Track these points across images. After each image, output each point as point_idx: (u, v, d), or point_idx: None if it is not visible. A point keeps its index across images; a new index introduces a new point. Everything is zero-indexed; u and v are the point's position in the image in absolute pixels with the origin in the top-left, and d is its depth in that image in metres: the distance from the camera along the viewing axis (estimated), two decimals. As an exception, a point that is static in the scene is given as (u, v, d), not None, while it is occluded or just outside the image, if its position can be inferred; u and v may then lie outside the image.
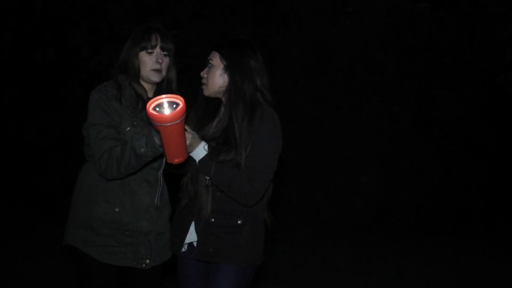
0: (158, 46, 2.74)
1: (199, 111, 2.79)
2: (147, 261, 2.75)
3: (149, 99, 2.72)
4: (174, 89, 2.85)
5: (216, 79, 2.68)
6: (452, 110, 8.92)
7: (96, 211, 2.68)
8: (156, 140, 2.42)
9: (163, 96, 2.18)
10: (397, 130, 8.91)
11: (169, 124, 2.15)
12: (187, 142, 2.51)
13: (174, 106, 2.17)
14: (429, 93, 8.97)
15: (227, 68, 2.66)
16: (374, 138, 8.81)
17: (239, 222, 2.62)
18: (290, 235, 7.77)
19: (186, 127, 2.52)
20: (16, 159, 9.64)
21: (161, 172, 2.82)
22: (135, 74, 2.74)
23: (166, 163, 2.63)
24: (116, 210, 2.67)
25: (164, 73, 2.79)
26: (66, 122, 8.50)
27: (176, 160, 2.36)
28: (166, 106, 2.16)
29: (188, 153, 2.57)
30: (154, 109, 2.16)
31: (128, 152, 2.51)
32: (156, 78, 2.76)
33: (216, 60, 2.68)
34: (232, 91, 2.63)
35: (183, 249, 2.76)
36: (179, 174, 2.80)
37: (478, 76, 8.88)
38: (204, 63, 2.76)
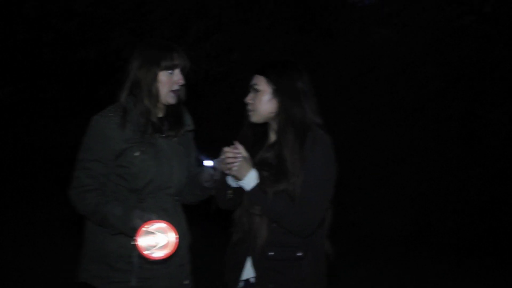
0: (179, 66, 2.58)
1: (246, 139, 2.62)
2: None
3: (159, 119, 2.60)
4: (181, 109, 2.69)
5: (265, 104, 2.53)
6: (499, 128, 8.63)
7: (110, 245, 2.51)
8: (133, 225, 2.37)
9: (167, 226, 2.26)
10: (441, 147, 8.65)
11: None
12: (235, 168, 2.43)
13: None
14: (475, 110, 8.69)
15: (276, 93, 2.51)
16: (416, 154, 8.59)
17: (298, 254, 2.46)
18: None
19: (241, 148, 2.45)
20: (58, 158, 9.69)
21: (177, 198, 2.67)
22: (152, 95, 2.54)
23: (216, 204, 2.64)
24: (132, 242, 2.41)
25: (179, 93, 2.63)
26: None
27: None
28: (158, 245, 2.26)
29: (238, 180, 2.47)
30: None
31: (100, 216, 2.46)
32: (173, 100, 2.60)
33: (262, 85, 2.53)
34: (282, 117, 2.49)
35: (238, 286, 2.60)
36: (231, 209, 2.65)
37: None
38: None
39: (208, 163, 2.55)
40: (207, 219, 4.60)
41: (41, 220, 8.13)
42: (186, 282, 2.68)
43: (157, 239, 2.25)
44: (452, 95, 8.68)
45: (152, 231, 2.24)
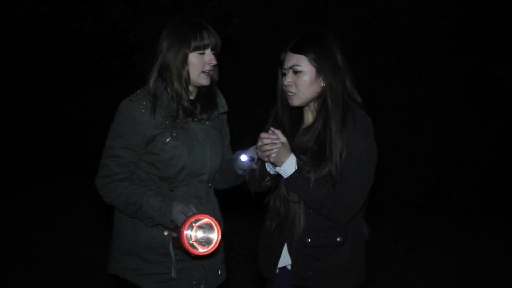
0: (210, 46, 2.40)
1: (282, 123, 2.43)
2: (202, 286, 2.44)
3: (191, 102, 2.43)
4: (214, 90, 2.54)
5: (310, 86, 2.32)
6: (510, 85, 8.46)
7: (142, 236, 2.37)
8: (171, 218, 2.26)
9: (212, 222, 2.18)
10: (451, 106, 8.53)
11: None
12: (274, 155, 2.28)
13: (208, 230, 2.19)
14: (486, 67, 8.56)
15: (321, 72, 2.30)
16: (426, 115, 8.49)
17: (338, 239, 2.32)
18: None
19: (279, 134, 2.30)
20: (57, 135, 9.57)
21: (211, 184, 2.53)
22: (182, 79, 2.38)
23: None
24: (165, 233, 2.34)
25: (211, 73, 2.46)
26: (107, 97, 8.35)
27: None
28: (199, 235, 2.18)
29: (275, 166, 2.33)
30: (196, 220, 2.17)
31: (134, 208, 2.31)
32: (206, 81, 2.43)
33: (305, 65, 2.31)
34: (329, 95, 2.30)
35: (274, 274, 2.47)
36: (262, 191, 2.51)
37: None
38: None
39: (244, 158, 2.39)
40: (238, 205, 4.46)
41: (50, 198, 8.14)
42: (219, 272, 2.57)
43: (200, 234, 2.19)
44: (462, 53, 8.53)
45: (198, 225, 2.17)
